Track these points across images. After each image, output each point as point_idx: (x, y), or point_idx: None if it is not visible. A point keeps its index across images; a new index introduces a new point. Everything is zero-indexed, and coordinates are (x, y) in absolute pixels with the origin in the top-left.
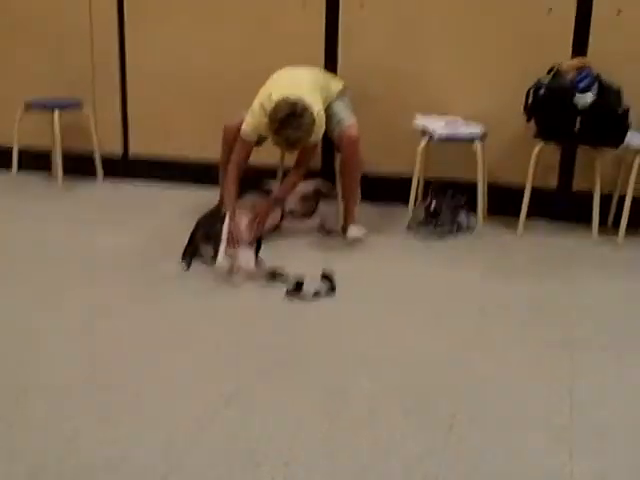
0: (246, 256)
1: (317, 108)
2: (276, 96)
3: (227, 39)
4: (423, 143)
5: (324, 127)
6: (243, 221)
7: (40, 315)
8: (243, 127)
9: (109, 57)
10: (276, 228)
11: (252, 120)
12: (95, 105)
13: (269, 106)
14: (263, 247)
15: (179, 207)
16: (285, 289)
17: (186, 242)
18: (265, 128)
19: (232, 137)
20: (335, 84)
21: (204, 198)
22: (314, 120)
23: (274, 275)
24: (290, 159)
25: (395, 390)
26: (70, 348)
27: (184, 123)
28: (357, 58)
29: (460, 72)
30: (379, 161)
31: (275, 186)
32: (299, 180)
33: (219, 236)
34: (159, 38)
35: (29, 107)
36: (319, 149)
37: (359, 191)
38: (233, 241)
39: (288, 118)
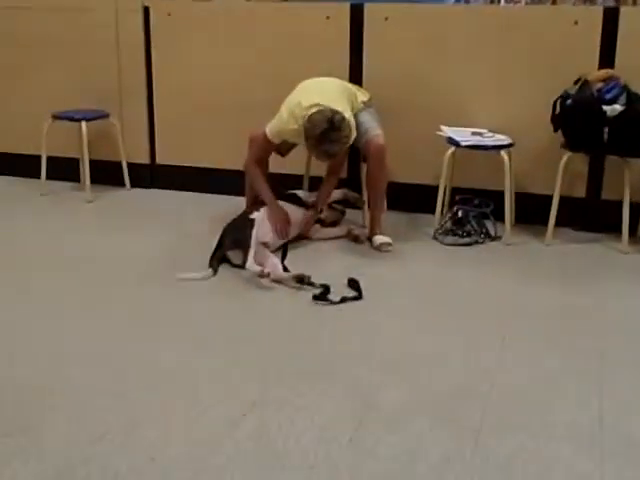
0: (274, 261)
1: (348, 114)
2: (306, 103)
3: (250, 53)
4: (450, 151)
5: (355, 133)
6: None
7: (72, 319)
8: (268, 128)
9: (136, 72)
10: (305, 236)
11: (279, 124)
12: (122, 117)
13: (300, 113)
14: (289, 253)
15: (205, 214)
16: (312, 294)
17: (214, 248)
18: (292, 134)
19: (257, 144)
20: (361, 95)
21: (229, 206)
22: (351, 130)
23: (302, 280)
24: (316, 167)
25: (422, 396)
26: (99, 350)
27: (208, 135)
28: (382, 70)
29: (486, 84)
30: (405, 170)
31: (303, 194)
32: (334, 187)
33: (248, 241)
34: (184, 53)
35: (57, 118)
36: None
37: (385, 200)
38: (280, 231)
39: (327, 132)
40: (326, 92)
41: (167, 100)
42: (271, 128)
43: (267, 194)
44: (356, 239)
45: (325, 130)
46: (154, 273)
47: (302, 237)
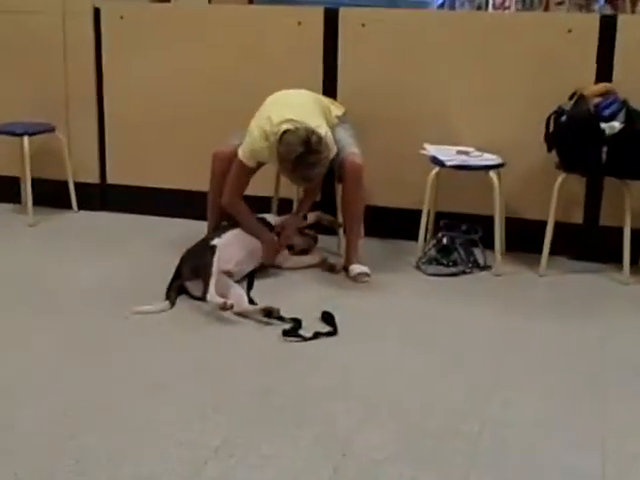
0: (238, 292)
1: (324, 130)
2: (277, 118)
3: (212, 62)
4: (433, 172)
5: (334, 150)
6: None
7: (3, 355)
8: (242, 151)
9: (85, 80)
10: (274, 265)
11: (251, 144)
12: (69, 131)
13: (271, 130)
14: (256, 284)
15: (162, 239)
16: (282, 330)
17: (171, 277)
18: (265, 154)
19: (223, 164)
20: (335, 109)
21: (189, 231)
22: (330, 149)
23: (270, 313)
24: (286, 188)
25: (404, 440)
26: (38, 391)
27: (166, 152)
28: (358, 82)
29: (473, 98)
30: (385, 192)
31: (272, 218)
32: (310, 206)
33: (208, 270)
34: (139, 60)
35: None
36: None
37: (363, 225)
38: (284, 239)
39: (303, 156)
40: (298, 106)
41: (119, 112)
42: (244, 150)
43: (258, 227)
44: (331, 269)
45: (301, 154)
46: (104, 305)
47: (270, 266)
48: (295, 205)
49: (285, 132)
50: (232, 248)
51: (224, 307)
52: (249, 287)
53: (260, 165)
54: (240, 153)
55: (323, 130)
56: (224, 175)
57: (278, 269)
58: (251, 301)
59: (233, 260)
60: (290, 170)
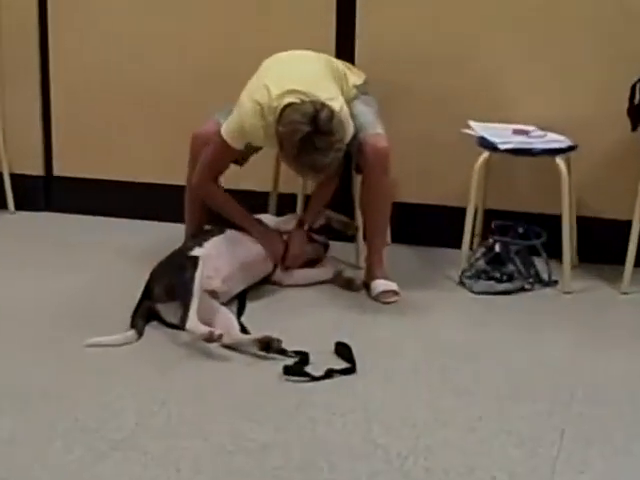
0: (227, 318)
1: (339, 102)
2: (277, 89)
3: (191, 19)
4: (482, 159)
5: (351, 130)
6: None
7: None
8: (227, 127)
9: (25, 47)
10: (270, 277)
11: (241, 121)
12: (5, 110)
13: (268, 104)
14: (249, 306)
15: (125, 248)
16: (283, 366)
17: (138, 299)
18: (258, 135)
19: (203, 147)
20: (353, 76)
21: (160, 236)
22: (345, 129)
23: (268, 346)
24: (288, 180)
25: None
26: None
27: (132, 135)
28: (382, 42)
29: (531, 60)
30: (417, 186)
31: (270, 220)
32: (327, 200)
33: (188, 289)
34: (95, 20)
35: None
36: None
37: (389, 229)
38: (292, 264)
39: (310, 138)
40: (305, 72)
41: (70, 87)
42: (230, 127)
43: (244, 217)
44: (349, 285)
45: (307, 135)
46: (47, 335)
47: (268, 282)
48: (301, 205)
49: (286, 107)
50: (219, 260)
51: (210, 338)
52: (240, 311)
53: (252, 150)
54: (224, 130)
55: (337, 104)
56: (219, 175)
57: (278, 287)
58: (243, 329)
59: (220, 276)
60: (293, 157)
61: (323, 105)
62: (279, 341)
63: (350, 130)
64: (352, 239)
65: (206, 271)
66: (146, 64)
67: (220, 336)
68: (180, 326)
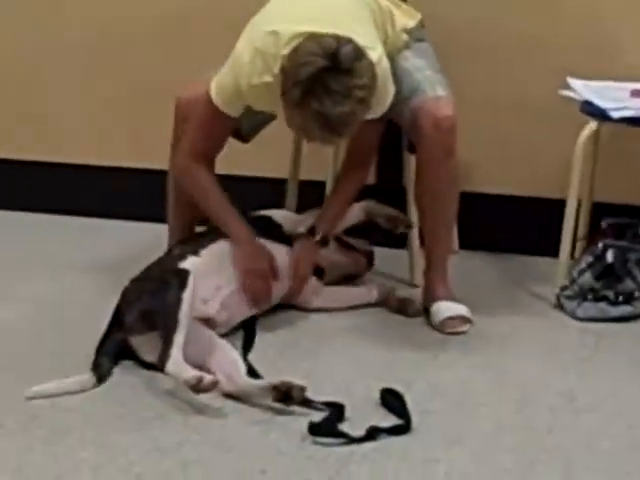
0: (229, 357)
1: (377, 53)
2: (288, 31)
3: None
4: (588, 132)
5: (393, 89)
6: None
7: None
8: (215, 85)
9: None
10: (294, 302)
11: (234, 75)
12: None
13: (277, 52)
14: (260, 337)
15: (85, 257)
16: (309, 424)
17: (104, 331)
18: (262, 97)
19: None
20: (403, 16)
21: (133, 239)
22: (374, 77)
23: (287, 395)
24: (311, 163)
25: None
26: None
27: (88, 100)
28: None
29: None
30: (495, 170)
31: (283, 217)
32: (353, 198)
33: (173, 315)
34: None
35: None
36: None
37: (456, 229)
38: (259, 298)
39: (325, 74)
40: (329, 10)
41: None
42: (220, 86)
43: (228, 216)
44: (404, 308)
45: (320, 70)
46: None
47: (288, 304)
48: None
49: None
50: (220, 276)
51: (198, 387)
52: (246, 346)
53: (261, 120)
54: (214, 90)
55: (375, 54)
56: (210, 154)
57: (302, 311)
58: (252, 372)
59: (218, 298)
60: (296, 103)
61: (349, 40)
62: (303, 389)
63: (390, 88)
64: (404, 243)
65: (202, 291)
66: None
67: (214, 384)
68: (159, 367)
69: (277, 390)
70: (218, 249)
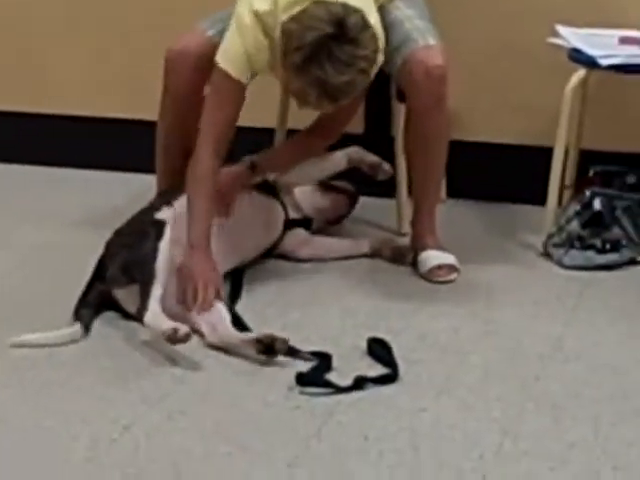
0: (214, 309)
1: (373, 19)
2: None
3: None
4: (576, 79)
5: (383, 54)
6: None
7: None
8: (224, 54)
9: None
10: (276, 247)
11: (241, 39)
12: None
13: (275, 16)
14: (248, 288)
15: (69, 209)
16: (296, 374)
17: (86, 282)
18: (263, 59)
19: (186, 72)
20: None
21: (120, 191)
22: (378, 44)
23: (271, 347)
24: (299, 114)
25: None
26: None
27: (76, 48)
28: None
29: None
30: (483, 118)
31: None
32: (318, 148)
33: (149, 266)
34: None
35: None
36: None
37: (444, 180)
38: (195, 283)
39: (329, 43)
40: None
41: None
42: (228, 51)
43: (198, 215)
44: (399, 257)
45: (325, 37)
46: None
47: (274, 255)
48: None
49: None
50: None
51: (174, 338)
52: (233, 297)
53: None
54: (222, 57)
55: (371, 19)
56: (188, 93)
57: (289, 261)
58: (238, 323)
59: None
60: (296, 67)
61: (356, 10)
62: (286, 341)
63: (380, 58)
64: (392, 192)
65: (180, 240)
66: None
67: (188, 335)
68: (138, 319)
69: (260, 343)
70: None
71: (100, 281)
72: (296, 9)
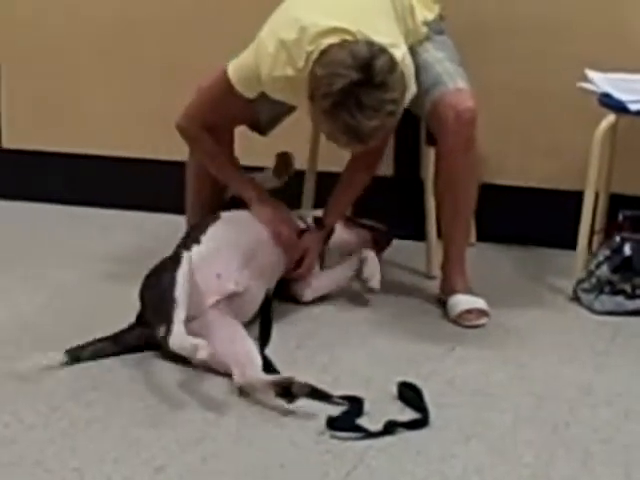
0: (244, 348)
1: (401, 51)
2: (314, 26)
3: None
4: (606, 124)
5: (415, 88)
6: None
7: None
8: (235, 65)
9: None
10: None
11: (255, 61)
12: None
13: (303, 46)
14: (278, 327)
15: (107, 249)
16: (327, 417)
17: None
18: (283, 87)
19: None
20: (423, 9)
21: (160, 231)
22: (406, 85)
23: (288, 391)
24: (330, 155)
25: None
26: None
27: (108, 90)
28: None
29: None
30: (513, 161)
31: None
32: (361, 190)
33: (170, 295)
34: None
35: None
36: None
37: (474, 222)
38: (286, 242)
39: (358, 88)
40: (354, 4)
41: (21, 34)
42: (238, 66)
43: (236, 177)
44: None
45: (352, 84)
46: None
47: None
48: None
49: (330, 45)
50: (225, 253)
51: (195, 354)
52: (264, 340)
53: (280, 112)
54: (232, 68)
55: (399, 52)
56: (217, 128)
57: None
58: (268, 366)
59: (231, 272)
60: (325, 113)
61: (382, 50)
62: (305, 386)
63: (412, 89)
64: (421, 235)
65: (214, 269)
66: (121, 22)
67: (208, 354)
68: (164, 345)
69: (278, 386)
70: (216, 230)
71: (142, 326)
72: (324, 41)
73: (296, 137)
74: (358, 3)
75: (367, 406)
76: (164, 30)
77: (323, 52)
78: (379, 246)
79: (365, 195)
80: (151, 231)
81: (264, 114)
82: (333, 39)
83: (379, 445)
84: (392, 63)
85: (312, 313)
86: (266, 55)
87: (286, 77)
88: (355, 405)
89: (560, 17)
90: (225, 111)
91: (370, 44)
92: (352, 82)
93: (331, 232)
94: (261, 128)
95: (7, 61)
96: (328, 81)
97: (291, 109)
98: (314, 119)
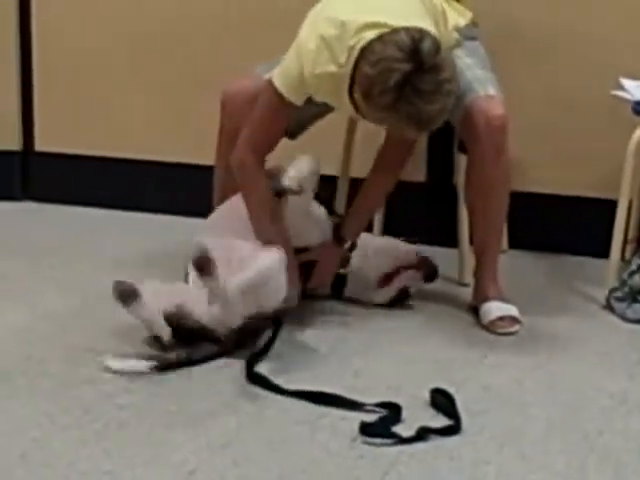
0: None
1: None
2: (354, 23)
3: None
4: (639, 134)
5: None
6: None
7: None
8: (279, 73)
9: None
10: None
11: (299, 63)
12: None
13: (345, 41)
14: (311, 331)
15: (134, 251)
16: (360, 423)
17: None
18: (324, 87)
19: (241, 113)
20: (455, 14)
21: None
22: (454, 62)
23: (325, 399)
24: (364, 158)
25: None
26: None
27: (139, 96)
28: None
29: None
30: (545, 169)
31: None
32: (382, 199)
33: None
34: None
35: None
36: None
37: (506, 230)
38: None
39: (412, 79)
40: (390, 4)
41: (57, 38)
42: (283, 73)
43: (266, 231)
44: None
45: (407, 75)
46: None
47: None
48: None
49: (371, 42)
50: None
51: None
52: (263, 352)
53: (310, 115)
54: (277, 77)
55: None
56: (239, 125)
57: (351, 305)
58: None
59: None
60: (387, 109)
61: (422, 32)
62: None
63: (456, 75)
64: (454, 242)
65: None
66: (147, 8)
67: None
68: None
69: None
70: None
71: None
72: (365, 35)
73: (329, 142)
74: (395, 4)
75: (402, 412)
76: (193, 44)
77: (366, 49)
78: (423, 272)
79: (397, 201)
80: (186, 234)
81: (293, 118)
82: (374, 33)
83: (411, 451)
84: (436, 43)
85: (344, 319)
86: (307, 52)
87: (329, 74)
88: (392, 412)
89: (593, 26)
90: (278, 127)
91: (408, 30)
92: (405, 73)
93: (352, 247)
94: (290, 133)
95: (41, 67)
96: (382, 78)
97: (318, 114)
98: (370, 115)
